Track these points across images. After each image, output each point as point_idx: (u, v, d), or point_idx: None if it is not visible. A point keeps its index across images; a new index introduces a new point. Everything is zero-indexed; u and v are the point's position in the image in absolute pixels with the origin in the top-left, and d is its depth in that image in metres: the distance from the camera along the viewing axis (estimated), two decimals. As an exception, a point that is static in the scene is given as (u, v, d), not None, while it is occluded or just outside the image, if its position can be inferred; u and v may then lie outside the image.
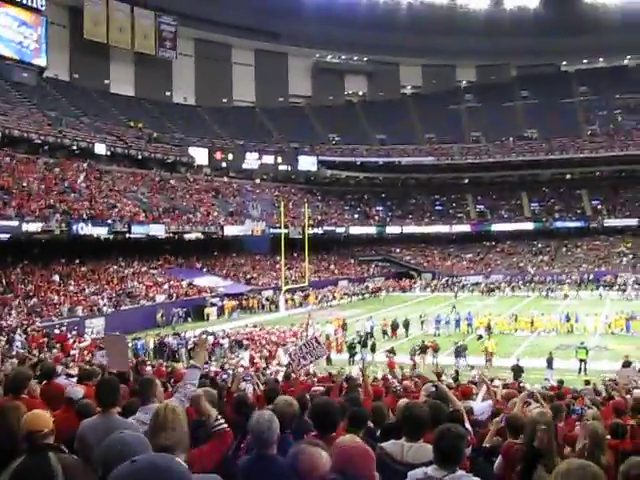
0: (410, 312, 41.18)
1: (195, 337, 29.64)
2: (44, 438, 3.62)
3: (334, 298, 53.18)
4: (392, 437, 4.57)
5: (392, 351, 28.10)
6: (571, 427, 7.66)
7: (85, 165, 51.34)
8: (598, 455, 4.97)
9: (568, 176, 76.78)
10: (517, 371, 22.84)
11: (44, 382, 7.63)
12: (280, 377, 15.73)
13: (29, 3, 57.73)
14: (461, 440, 3.64)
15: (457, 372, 21.08)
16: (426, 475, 3.60)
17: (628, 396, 10.63)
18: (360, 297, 55.59)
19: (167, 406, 3.63)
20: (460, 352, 27.51)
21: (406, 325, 36.00)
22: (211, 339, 30.30)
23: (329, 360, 27.68)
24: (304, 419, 5.10)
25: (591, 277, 59.10)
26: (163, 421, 3.06)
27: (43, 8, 59.09)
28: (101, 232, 44.19)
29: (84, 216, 42.75)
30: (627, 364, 20.43)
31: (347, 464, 2.65)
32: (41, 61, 60.37)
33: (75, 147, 52.37)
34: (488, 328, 33.61)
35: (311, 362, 13.07)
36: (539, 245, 71.23)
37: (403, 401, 6.47)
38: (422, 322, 37.38)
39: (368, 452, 2.72)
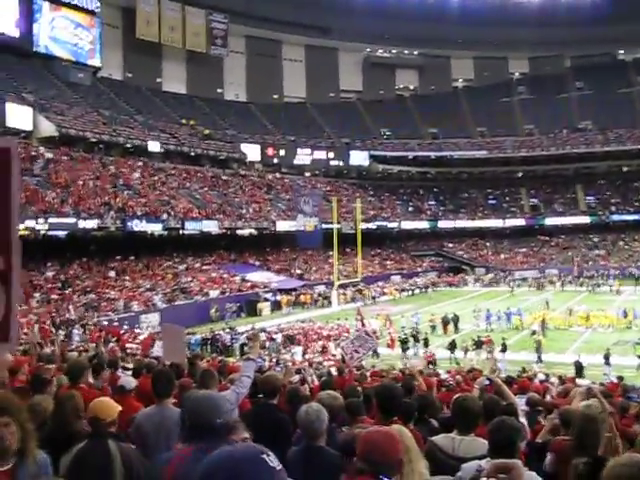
0: (460, 308, 40.76)
1: (248, 332, 29.85)
2: (107, 426, 3.79)
3: (384, 294, 52.92)
4: (444, 430, 4.54)
5: (453, 345, 28.06)
6: (629, 422, 7.49)
7: (139, 163, 52.19)
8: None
9: (625, 168, 74.97)
10: (579, 367, 22.49)
11: (109, 372, 7.95)
12: (333, 371, 15.75)
13: (85, 5, 58.99)
14: (516, 433, 3.61)
15: (524, 368, 20.87)
16: (480, 468, 3.57)
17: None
18: (410, 293, 55.15)
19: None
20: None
21: (455, 321, 35.66)
22: (263, 335, 30.45)
23: (376, 353, 27.52)
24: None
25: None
26: None
27: (98, 10, 60.26)
28: (155, 229, 44.87)
29: (138, 213, 43.47)
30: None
31: (370, 451, 2.66)
32: (96, 61, 61.61)
33: (129, 145, 53.33)
34: (543, 323, 33.09)
35: (364, 354, 13.09)
36: (595, 239, 69.73)
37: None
38: (475, 317, 36.88)
39: (392, 437, 2.70)
